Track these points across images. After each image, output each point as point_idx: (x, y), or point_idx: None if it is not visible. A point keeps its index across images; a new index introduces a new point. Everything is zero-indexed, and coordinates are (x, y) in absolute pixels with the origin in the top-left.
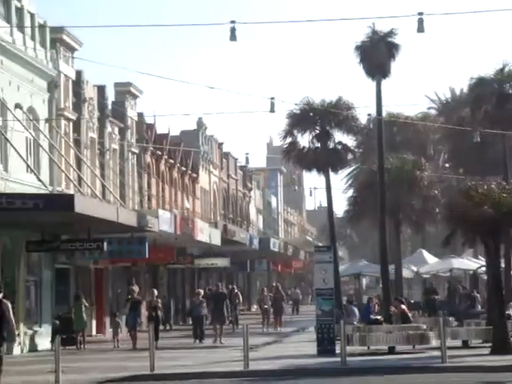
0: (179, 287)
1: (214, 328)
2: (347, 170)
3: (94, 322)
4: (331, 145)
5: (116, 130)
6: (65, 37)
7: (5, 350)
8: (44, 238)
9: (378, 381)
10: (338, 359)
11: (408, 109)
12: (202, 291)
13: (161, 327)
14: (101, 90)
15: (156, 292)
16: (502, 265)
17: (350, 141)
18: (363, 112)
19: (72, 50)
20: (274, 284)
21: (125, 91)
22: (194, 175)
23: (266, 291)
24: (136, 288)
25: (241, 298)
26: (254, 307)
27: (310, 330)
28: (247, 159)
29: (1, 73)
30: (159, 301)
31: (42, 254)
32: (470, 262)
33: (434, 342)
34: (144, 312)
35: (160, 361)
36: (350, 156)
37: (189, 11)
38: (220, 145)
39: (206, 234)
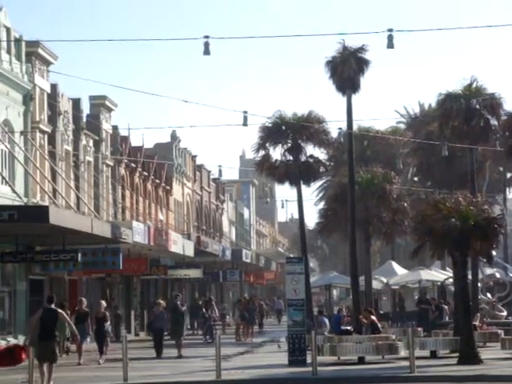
0: (152, 298)
1: (176, 342)
2: (318, 183)
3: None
4: (303, 158)
5: (91, 143)
6: (40, 50)
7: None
8: (18, 249)
9: None
10: (309, 369)
11: (378, 123)
12: (162, 302)
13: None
14: (76, 103)
15: (104, 303)
16: (469, 276)
17: (321, 154)
18: (334, 126)
19: (47, 63)
20: (246, 295)
21: (99, 104)
22: (168, 187)
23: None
24: (104, 303)
25: (216, 311)
26: (227, 318)
27: (282, 341)
28: (220, 172)
29: None
30: (106, 313)
31: (17, 264)
32: (438, 274)
33: (403, 352)
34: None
35: (133, 371)
36: (321, 169)
37: (163, 26)
38: (193, 157)
39: (180, 245)
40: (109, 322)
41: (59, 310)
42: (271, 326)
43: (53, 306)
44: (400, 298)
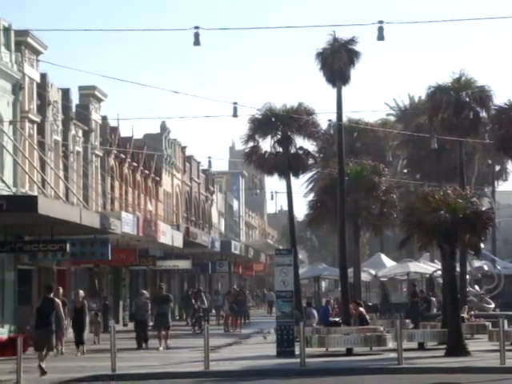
0: (141, 289)
1: (158, 335)
2: (308, 175)
3: None
4: (292, 150)
5: (80, 133)
6: (30, 40)
7: (54, 341)
8: (7, 239)
9: (336, 381)
10: (298, 360)
11: (368, 115)
12: (146, 292)
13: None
14: (65, 92)
15: (82, 293)
16: (458, 269)
17: (310, 146)
18: (324, 118)
19: (37, 52)
20: (236, 286)
21: (89, 94)
22: (157, 178)
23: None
24: (82, 293)
25: (206, 302)
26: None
27: (270, 332)
28: (210, 163)
29: None
30: (85, 303)
31: (5, 254)
32: (427, 266)
33: (391, 344)
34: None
35: (121, 361)
36: (310, 161)
37: (154, 16)
38: (183, 148)
39: (169, 236)
40: (87, 312)
41: (56, 300)
42: (262, 317)
43: (51, 295)
44: (384, 290)
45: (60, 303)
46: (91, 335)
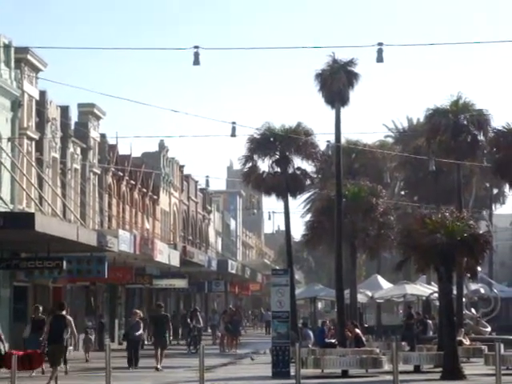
0: (137, 307)
1: (156, 354)
2: (305, 195)
3: None
4: (290, 170)
5: (78, 151)
6: (29, 57)
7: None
8: (3, 256)
9: None
10: (293, 381)
11: (366, 136)
12: (139, 311)
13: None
14: (64, 110)
15: (41, 308)
16: (454, 291)
17: (308, 166)
18: (322, 138)
19: (36, 70)
20: (231, 306)
21: (88, 112)
22: (155, 197)
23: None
24: (41, 307)
25: (201, 321)
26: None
27: (266, 352)
28: (207, 182)
29: None
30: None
31: (1, 271)
32: (423, 288)
33: (387, 367)
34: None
35: (116, 380)
36: (308, 181)
37: (154, 35)
38: (181, 167)
39: (166, 254)
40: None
41: (68, 317)
42: (258, 337)
43: (63, 312)
44: (378, 312)
45: (71, 320)
46: (79, 353)
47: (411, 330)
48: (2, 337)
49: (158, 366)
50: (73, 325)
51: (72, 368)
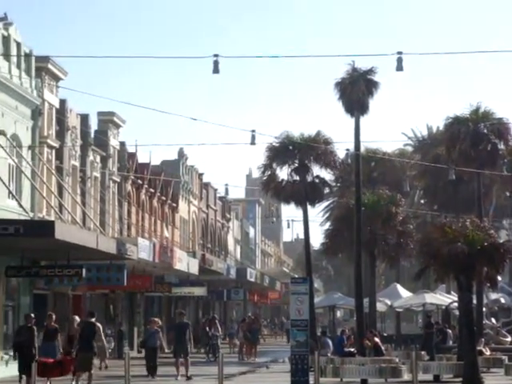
0: (156, 315)
1: (176, 362)
2: (324, 204)
3: None
4: (309, 178)
5: (98, 159)
6: (50, 66)
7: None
8: (23, 264)
9: None
10: None
11: (386, 145)
12: (157, 320)
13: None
14: (84, 118)
15: (78, 319)
16: (474, 301)
17: (327, 175)
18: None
19: (57, 79)
20: (250, 314)
21: (108, 120)
22: (174, 205)
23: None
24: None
25: (219, 329)
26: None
27: (285, 361)
28: (227, 190)
29: None
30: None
31: (21, 279)
32: (443, 297)
33: (406, 376)
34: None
35: None
36: (327, 190)
37: (174, 43)
38: (200, 175)
39: (185, 262)
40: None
41: (97, 324)
42: (278, 345)
43: (93, 319)
44: (397, 321)
45: (100, 327)
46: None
47: (431, 339)
48: (36, 345)
49: (178, 377)
50: (101, 332)
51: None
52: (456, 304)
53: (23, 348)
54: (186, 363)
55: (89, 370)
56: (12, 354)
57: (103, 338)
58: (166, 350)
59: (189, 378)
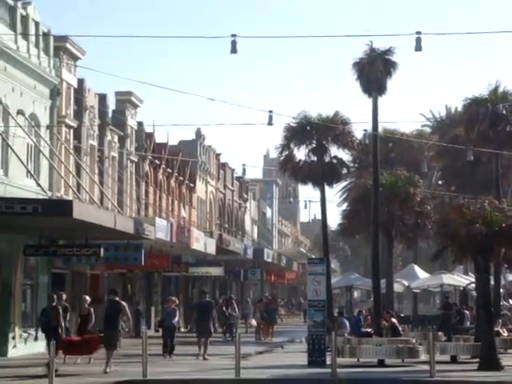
0: (173, 295)
1: (198, 342)
2: (342, 184)
3: None
4: (327, 159)
5: (116, 138)
6: (68, 45)
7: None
8: (41, 243)
9: None
10: (329, 370)
11: (403, 126)
12: (174, 298)
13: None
14: (102, 98)
15: (88, 299)
16: (492, 282)
17: (345, 155)
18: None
19: (75, 58)
20: (267, 294)
21: (125, 100)
22: (191, 185)
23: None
24: (87, 298)
25: (236, 309)
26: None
27: (302, 341)
28: (244, 170)
29: (4, 79)
30: (91, 310)
31: (39, 258)
32: (461, 278)
33: (423, 356)
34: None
35: (152, 367)
36: (344, 170)
37: (191, 23)
38: (217, 155)
39: (202, 242)
40: (93, 320)
41: (122, 302)
42: (295, 325)
43: (117, 298)
44: (414, 302)
45: (126, 305)
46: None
47: (449, 320)
48: (63, 324)
49: (206, 356)
50: (127, 310)
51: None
52: (473, 285)
53: (49, 328)
54: (205, 343)
55: (114, 347)
56: (33, 332)
57: (130, 315)
58: (183, 330)
59: (205, 358)
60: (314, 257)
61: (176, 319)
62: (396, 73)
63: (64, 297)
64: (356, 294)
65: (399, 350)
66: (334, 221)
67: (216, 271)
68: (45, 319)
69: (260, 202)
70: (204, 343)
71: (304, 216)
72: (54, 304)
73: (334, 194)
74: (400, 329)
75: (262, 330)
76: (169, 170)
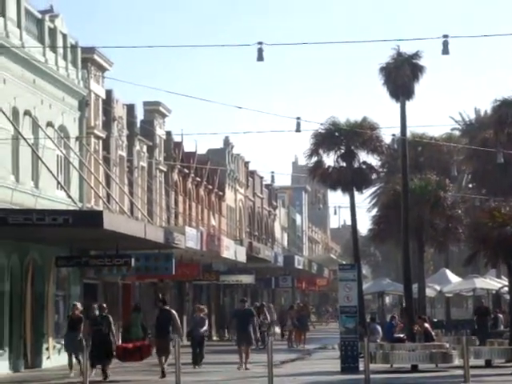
0: (205, 303)
1: (239, 350)
2: (371, 190)
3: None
4: (356, 164)
5: (144, 148)
6: (96, 57)
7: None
8: (73, 254)
9: None
10: (362, 376)
11: (432, 129)
12: (203, 307)
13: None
14: (130, 108)
15: (79, 307)
16: None
17: (374, 160)
18: (387, 132)
19: (102, 69)
20: (299, 301)
21: (153, 110)
22: (221, 193)
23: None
24: (79, 305)
25: (268, 317)
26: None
27: (334, 348)
28: (273, 178)
29: (33, 92)
30: (82, 316)
31: (71, 269)
32: (493, 282)
33: (457, 361)
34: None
35: (185, 376)
36: (374, 175)
37: (218, 32)
38: (246, 163)
39: (232, 251)
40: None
41: (173, 311)
42: (329, 332)
43: (166, 306)
44: (447, 306)
45: (176, 314)
46: None
47: (485, 324)
48: (114, 331)
49: (247, 366)
50: (177, 318)
51: (138, 363)
52: (506, 288)
53: (99, 336)
54: (246, 351)
55: (167, 354)
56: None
57: (179, 324)
58: (214, 338)
59: (247, 368)
60: (344, 263)
61: (205, 328)
62: (423, 76)
63: (79, 307)
64: (388, 299)
65: (433, 355)
66: (364, 226)
67: (247, 279)
68: (96, 328)
69: (289, 208)
70: (245, 351)
71: (334, 222)
72: (104, 314)
73: (364, 199)
74: (433, 334)
75: (295, 337)
76: (198, 179)
